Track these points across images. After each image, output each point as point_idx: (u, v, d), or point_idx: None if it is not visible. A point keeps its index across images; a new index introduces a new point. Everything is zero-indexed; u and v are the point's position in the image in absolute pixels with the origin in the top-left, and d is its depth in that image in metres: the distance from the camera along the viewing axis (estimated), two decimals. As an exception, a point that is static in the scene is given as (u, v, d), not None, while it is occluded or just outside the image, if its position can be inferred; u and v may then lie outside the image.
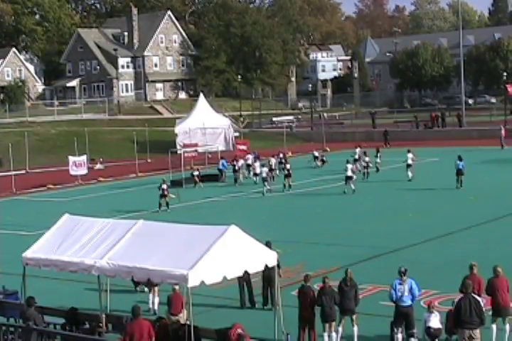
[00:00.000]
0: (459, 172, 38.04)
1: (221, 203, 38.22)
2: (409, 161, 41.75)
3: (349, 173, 38.26)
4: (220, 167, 47.41)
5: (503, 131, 56.55)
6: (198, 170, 46.28)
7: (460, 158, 38.49)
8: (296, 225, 30.21)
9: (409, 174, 41.47)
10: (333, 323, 15.80)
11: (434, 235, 26.69)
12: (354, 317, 16.03)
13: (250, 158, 47.79)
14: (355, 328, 16.05)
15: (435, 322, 15.39)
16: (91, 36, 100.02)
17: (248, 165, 47.10)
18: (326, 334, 15.83)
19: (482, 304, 14.42)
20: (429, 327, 15.33)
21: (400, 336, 15.41)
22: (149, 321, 14.49)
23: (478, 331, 14.22)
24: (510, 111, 70.85)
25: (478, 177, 41.36)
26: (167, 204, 36.00)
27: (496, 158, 50.10)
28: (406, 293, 15.35)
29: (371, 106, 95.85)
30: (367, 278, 21.19)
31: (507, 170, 44.19)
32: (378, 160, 46.13)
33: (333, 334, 15.79)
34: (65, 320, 16.52)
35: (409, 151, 42.31)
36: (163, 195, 35.95)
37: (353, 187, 38.12)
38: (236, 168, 45.49)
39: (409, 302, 15.40)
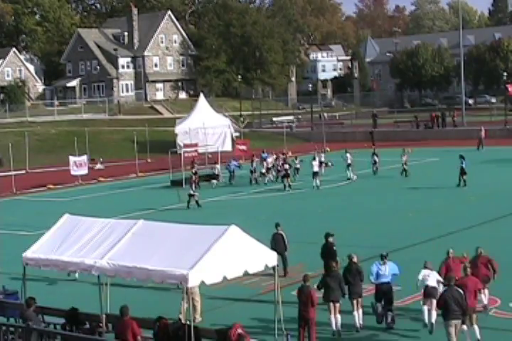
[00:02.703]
0: (463, 172, 38.13)
1: (221, 203, 38.22)
2: (349, 161, 43.39)
3: (315, 169, 41.11)
4: (232, 167, 46.13)
5: (483, 132, 56.30)
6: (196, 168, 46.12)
7: (463, 157, 38.56)
8: (297, 225, 30.18)
9: (350, 174, 43.60)
10: (337, 305, 16.86)
11: (434, 235, 26.67)
12: (360, 300, 17.16)
13: (269, 160, 46.30)
14: (359, 311, 17.07)
15: (432, 281, 16.92)
16: (91, 36, 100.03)
17: (268, 169, 45.71)
18: (332, 316, 16.75)
19: (464, 296, 14.89)
20: (427, 286, 16.80)
21: (380, 308, 17.05)
22: (134, 319, 14.53)
23: (460, 321, 14.79)
24: (510, 110, 70.76)
25: (478, 177, 41.36)
26: (197, 202, 36.44)
27: (495, 158, 50.08)
28: (386, 273, 17.10)
29: (371, 106, 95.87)
30: (367, 278, 21.19)
31: (507, 170, 44.18)
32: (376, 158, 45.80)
33: (338, 315, 16.75)
34: (65, 320, 16.51)
35: (346, 152, 44.21)
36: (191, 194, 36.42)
37: (318, 182, 40.86)
38: (252, 168, 45.14)
39: (386, 280, 17.09)
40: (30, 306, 15.35)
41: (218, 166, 45.82)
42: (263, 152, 47.61)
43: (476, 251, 18.58)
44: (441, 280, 16.92)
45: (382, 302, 17.07)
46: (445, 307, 14.63)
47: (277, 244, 21.52)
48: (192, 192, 36.63)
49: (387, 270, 17.17)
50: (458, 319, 14.65)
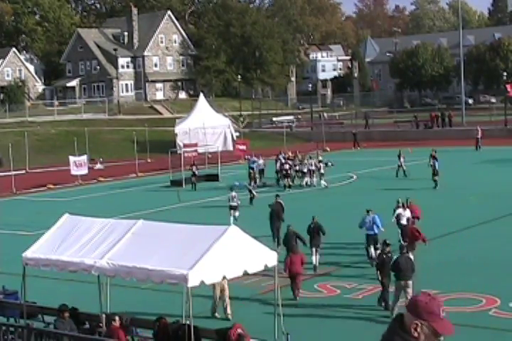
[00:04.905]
0: (436, 173, 38.14)
1: (221, 203, 38.17)
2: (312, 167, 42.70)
3: (312, 168, 42.36)
4: (253, 165, 44.44)
5: (479, 133, 56.05)
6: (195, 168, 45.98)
7: (435, 158, 38.49)
8: (296, 225, 30.10)
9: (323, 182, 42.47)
10: (318, 249, 23.05)
11: (434, 235, 26.66)
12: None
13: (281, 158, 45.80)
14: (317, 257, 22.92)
15: (404, 220, 24.16)
16: (91, 36, 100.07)
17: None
18: (313, 257, 22.60)
19: (414, 263, 18.44)
20: (402, 224, 24.20)
21: (372, 250, 23.02)
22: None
23: (411, 282, 17.91)
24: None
25: (477, 177, 41.37)
26: (251, 199, 37.06)
27: (495, 158, 50.08)
28: (371, 224, 23.15)
29: (371, 106, 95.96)
30: (367, 278, 21.20)
31: (507, 170, 44.17)
32: (402, 159, 43.85)
33: (317, 256, 22.85)
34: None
35: (311, 158, 44.11)
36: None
37: (308, 181, 42.26)
38: (277, 168, 44.75)
39: (374, 231, 23.22)
40: (62, 314, 15.33)
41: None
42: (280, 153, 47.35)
43: (407, 200, 25.98)
44: (411, 217, 24.25)
45: (372, 245, 23.12)
46: (397, 270, 18.04)
47: (277, 212, 27.76)
48: (251, 188, 37.01)
49: (371, 221, 23.21)
50: (406, 280, 17.94)
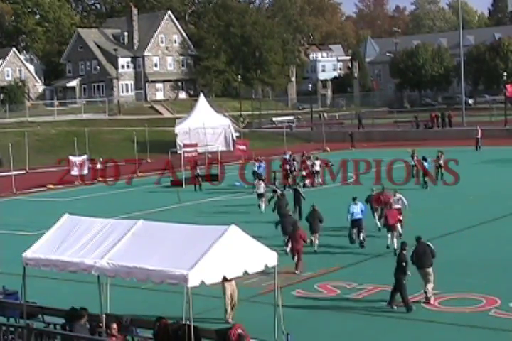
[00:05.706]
0: (425, 173, 38.05)
1: (221, 203, 38.23)
2: (317, 168, 42.17)
3: (317, 168, 42.31)
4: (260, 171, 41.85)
5: (479, 133, 55.93)
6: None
7: (424, 159, 38.39)
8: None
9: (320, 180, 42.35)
10: (317, 234, 25.20)
11: (434, 235, 26.62)
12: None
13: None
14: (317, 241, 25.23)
15: (398, 205, 26.50)
16: (91, 36, 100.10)
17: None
18: (314, 241, 24.92)
19: (433, 248, 18.94)
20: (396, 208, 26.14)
21: (354, 231, 25.56)
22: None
23: (430, 269, 18.52)
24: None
25: (477, 177, 41.35)
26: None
27: (495, 158, 50.08)
28: (357, 210, 25.64)
29: (371, 106, 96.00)
30: (367, 278, 21.21)
31: (506, 170, 44.17)
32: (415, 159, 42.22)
33: (317, 241, 25.15)
34: (65, 320, 16.49)
35: (317, 159, 43.14)
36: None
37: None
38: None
39: (359, 216, 25.63)
40: (80, 318, 15.18)
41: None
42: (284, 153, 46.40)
43: (372, 190, 29.04)
44: (405, 202, 26.88)
45: (355, 230, 25.52)
46: (417, 259, 18.47)
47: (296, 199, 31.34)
48: (275, 188, 36.21)
49: (358, 209, 25.70)
50: (427, 267, 18.48)
